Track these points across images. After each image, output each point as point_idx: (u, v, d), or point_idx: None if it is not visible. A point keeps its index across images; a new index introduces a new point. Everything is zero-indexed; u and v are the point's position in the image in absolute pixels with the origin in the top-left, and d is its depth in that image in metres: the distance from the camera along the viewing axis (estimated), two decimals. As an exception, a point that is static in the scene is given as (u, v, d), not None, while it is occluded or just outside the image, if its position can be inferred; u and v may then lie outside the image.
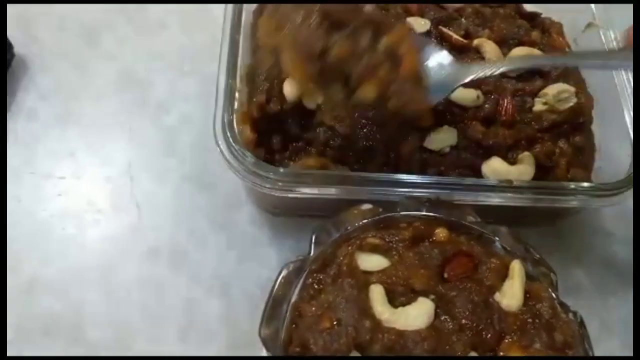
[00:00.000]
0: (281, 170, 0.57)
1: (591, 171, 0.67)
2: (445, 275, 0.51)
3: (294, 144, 0.65)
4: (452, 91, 0.60)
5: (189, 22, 0.82)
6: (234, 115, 0.57)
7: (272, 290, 0.50)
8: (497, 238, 0.55)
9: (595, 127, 0.68)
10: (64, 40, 0.79)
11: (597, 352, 0.65)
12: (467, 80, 0.58)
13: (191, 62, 0.79)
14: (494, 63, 0.61)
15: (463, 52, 0.67)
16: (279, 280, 0.51)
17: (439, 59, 0.60)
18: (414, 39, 0.59)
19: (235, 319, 0.63)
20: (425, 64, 0.60)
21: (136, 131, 0.74)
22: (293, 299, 0.51)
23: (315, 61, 0.53)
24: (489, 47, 0.67)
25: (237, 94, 0.59)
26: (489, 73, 0.58)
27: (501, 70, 0.58)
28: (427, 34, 0.68)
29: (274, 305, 0.50)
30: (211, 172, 0.71)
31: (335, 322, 0.48)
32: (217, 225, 0.69)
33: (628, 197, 0.60)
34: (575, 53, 0.70)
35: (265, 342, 0.48)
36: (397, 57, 0.55)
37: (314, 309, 0.50)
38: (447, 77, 0.59)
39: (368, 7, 0.60)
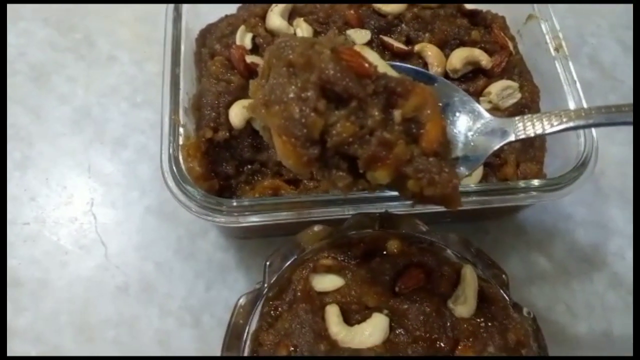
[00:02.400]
0: (234, 203, 0.58)
1: (543, 163, 0.68)
2: (397, 289, 0.53)
3: (249, 167, 0.66)
4: (485, 159, 0.50)
5: (138, 53, 0.82)
6: (180, 152, 0.58)
7: (230, 321, 0.52)
8: (447, 247, 0.56)
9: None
10: (14, 85, 0.80)
11: (565, 338, 0.67)
12: (503, 143, 0.50)
13: (143, 93, 0.79)
14: (543, 119, 0.49)
15: (406, 58, 0.68)
16: (236, 311, 0.52)
17: (467, 119, 0.51)
18: (438, 99, 0.46)
19: (209, 346, 0.65)
20: (452, 128, 0.50)
21: (95, 168, 0.75)
22: (253, 328, 0.53)
23: (313, 145, 0.43)
24: (431, 52, 0.68)
25: (181, 129, 0.60)
26: (536, 132, 0.49)
27: (554, 129, 0.49)
28: (369, 44, 0.69)
29: (233, 335, 0.52)
30: (173, 203, 0.72)
31: (292, 349, 0.49)
32: (183, 255, 0.70)
33: (579, 185, 0.61)
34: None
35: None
36: (417, 126, 0.45)
37: (271, 337, 0.51)
38: (480, 140, 0.50)
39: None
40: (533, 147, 0.68)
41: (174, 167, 0.57)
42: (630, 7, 0.92)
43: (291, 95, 0.42)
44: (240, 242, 0.70)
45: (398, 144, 0.43)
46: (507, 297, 0.54)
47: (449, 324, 0.51)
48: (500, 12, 0.75)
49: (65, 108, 0.79)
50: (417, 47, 0.68)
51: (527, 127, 0.49)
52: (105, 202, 0.73)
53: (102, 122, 0.78)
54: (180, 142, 0.59)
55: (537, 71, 0.71)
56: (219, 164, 0.64)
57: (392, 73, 0.46)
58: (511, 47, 0.71)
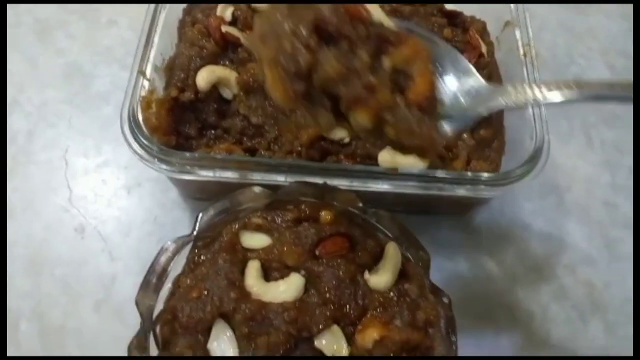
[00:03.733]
0: (187, 155, 0.60)
1: (499, 166, 0.68)
2: (317, 252, 0.54)
3: (212, 132, 0.69)
4: (475, 123, 0.52)
5: (137, 21, 0.86)
6: (139, 103, 0.61)
7: (153, 261, 0.54)
8: (378, 223, 0.58)
9: (507, 123, 0.70)
10: (18, 35, 0.85)
11: (501, 343, 0.67)
12: (494, 109, 0.51)
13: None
14: (540, 87, 0.48)
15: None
16: (162, 252, 0.55)
17: (457, 78, 0.52)
18: (431, 56, 0.48)
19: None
20: (441, 85, 0.52)
21: (76, 119, 0.79)
22: (175, 272, 0.55)
23: (300, 80, 0.44)
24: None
25: (146, 83, 0.63)
26: (523, 101, 0.49)
27: (549, 100, 0.47)
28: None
29: (153, 274, 0.54)
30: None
31: (204, 293, 0.51)
32: (143, 208, 0.73)
33: (526, 182, 0.60)
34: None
35: (137, 305, 0.51)
36: (407, 78, 0.46)
37: (189, 281, 0.53)
38: (469, 103, 0.51)
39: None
40: (490, 148, 0.68)
41: (130, 118, 0.60)
42: (627, 31, 0.92)
43: (285, 29, 0.44)
44: (197, 203, 0.73)
45: (382, 89, 0.44)
46: (425, 278, 0.55)
47: (360, 292, 0.52)
48: (484, 18, 0.77)
49: (59, 61, 0.83)
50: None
51: (518, 95, 0.49)
52: (79, 151, 0.77)
53: (91, 78, 0.82)
54: (143, 94, 0.62)
55: (508, 77, 0.72)
56: (183, 124, 0.67)
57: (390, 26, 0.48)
58: (484, 50, 0.72)
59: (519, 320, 0.69)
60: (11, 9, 0.87)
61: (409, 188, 0.60)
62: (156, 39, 0.66)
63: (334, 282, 0.52)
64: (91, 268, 0.69)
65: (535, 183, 0.70)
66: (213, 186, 0.64)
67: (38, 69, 0.83)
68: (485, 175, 0.60)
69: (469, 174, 0.60)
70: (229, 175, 0.60)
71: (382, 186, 0.60)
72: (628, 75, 0.88)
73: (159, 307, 0.53)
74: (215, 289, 0.51)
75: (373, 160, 0.64)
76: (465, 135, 0.67)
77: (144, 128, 0.60)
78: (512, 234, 0.75)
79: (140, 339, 0.50)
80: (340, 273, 0.52)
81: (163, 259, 0.54)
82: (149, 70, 0.64)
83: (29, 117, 0.79)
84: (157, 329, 0.52)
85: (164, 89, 0.67)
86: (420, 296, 0.53)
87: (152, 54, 0.65)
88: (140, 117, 0.61)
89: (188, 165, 0.60)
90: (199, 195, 0.73)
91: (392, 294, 0.53)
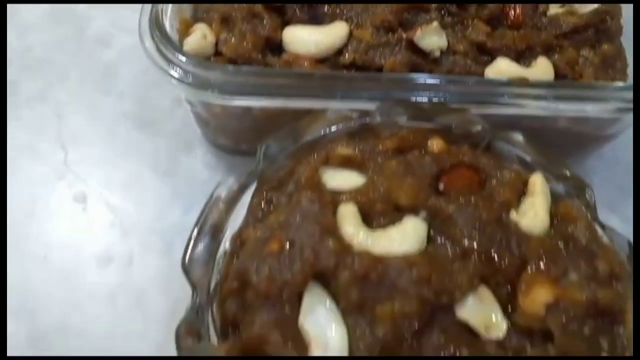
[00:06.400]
0: (229, 68, 0.44)
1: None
2: (441, 187, 0.38)
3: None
4: None
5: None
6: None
7: (200, 216, 0.37)
8: (512, 148, 0.42)
9: (624, 40, 0.55)
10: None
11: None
12: None
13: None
14: None
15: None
16: (211, 202, 0.38)
17: None
18: None
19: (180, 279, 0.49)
20: None
21: (71, 66, 0.62)
22: (236, 227, 0.38)
23: None
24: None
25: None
26: None
27: None
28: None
29: (209, 232, 0.37)
30: (153, 111, 0.58)
31: (287, 245, 0.34)
32: (160, 171, 0.56)
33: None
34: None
35: (187, 274, 0.34)
36: None
37: (259, 232, 0.36)
38: None
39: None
40: (614, 70, 0.53)
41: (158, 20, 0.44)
42: None
43: None
44: (231, 161, 0.56)
45: None
46: (592, 217, 0.39)
47: (513, 239, 0.36)
48: None
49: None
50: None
51: None
52: (73, 106, 0.59)
53: (86, 20, 0.65)
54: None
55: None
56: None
57: None
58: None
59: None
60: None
61: (537, 106, 0.45)
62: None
63: (476, 225, 0.35)
64: (97, 247, 0.51)
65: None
66: (257, 123, 0.48)
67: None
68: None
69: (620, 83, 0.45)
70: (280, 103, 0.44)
71: (503, 105, 0.44)
72: None
73: (214, 279, 0.36)
74: (306, 239, 0.34)
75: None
76: (585, 52, 0.52)
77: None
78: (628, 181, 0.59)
79: (191, 322, 0.33)
80: (482, 213, 0.36)
81: (215, 211, 0.37)
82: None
83: (10, 68, 0.61)
84: (214, 307, 0.35)
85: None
86: (592, 241, 0.37)
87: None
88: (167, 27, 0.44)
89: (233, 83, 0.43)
90: (233, 144, 0.55)
91: (555, 240, 0.36)
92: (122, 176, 0.55)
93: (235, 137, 0.53)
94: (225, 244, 0.37)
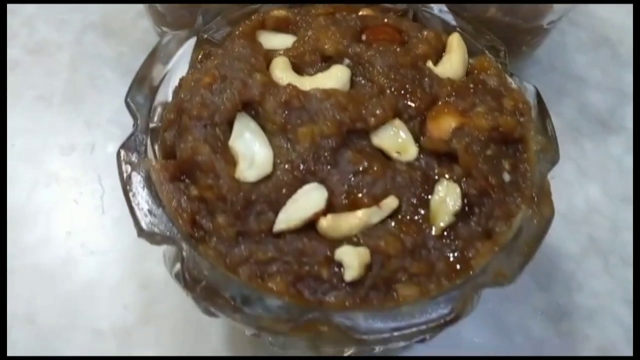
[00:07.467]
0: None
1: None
2: (364, 37, 0.42)
3: None
4: None
5: None
6: None
7: (145, 59, 0.40)
8: (438, 15, 0.45)
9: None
10: None
11: (576, 199, 0.55)
12: None
13: None
14: None
15: None
16: (159, 46, 0.41)
17: None
18: None
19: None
20: None
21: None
22: (179, 72, 0.41)
23: None
24: None
25: None
26: None
27: None
28: None
29: (153, 75, 0.40)
30: (120, 18, 0.62)
31: (220, 79, 0.38)
32: (122, 71, 0.59)
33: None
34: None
35: (128, 106, 0.37)
36: None
37: (196, 75, 0.39)
38: None
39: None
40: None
41: None
42: None
43: None
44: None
45: None
46: (503, 67, 0.42)
47: (426, 80, 0.40)
48: None
49: None
50: None
51: None
52: (43, 17, 0.63)
53: None
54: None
55: None
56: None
57: None
58: None
59: (591, 176, 0.57)
60: None
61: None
62: None
63: (393, 67, 0.39)
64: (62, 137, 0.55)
65: (583, 36, 0.61)
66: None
67: None
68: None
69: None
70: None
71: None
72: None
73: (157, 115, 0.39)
74: (236, 73, 0.38)
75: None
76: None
77: None
78: (567, 88, 0.63)
79: (130, 143, 0.36)
80: (399, 58, 0.40)
81: (160, 55, 0.41)
82: None
83: None
84: (158, 141, 0.38)
85: None
86: (500, 85, 0.41)
87: None
88: None
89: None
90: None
91: (467, 83, 0.40)
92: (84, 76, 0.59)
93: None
94: (168, 95, 0.41)
